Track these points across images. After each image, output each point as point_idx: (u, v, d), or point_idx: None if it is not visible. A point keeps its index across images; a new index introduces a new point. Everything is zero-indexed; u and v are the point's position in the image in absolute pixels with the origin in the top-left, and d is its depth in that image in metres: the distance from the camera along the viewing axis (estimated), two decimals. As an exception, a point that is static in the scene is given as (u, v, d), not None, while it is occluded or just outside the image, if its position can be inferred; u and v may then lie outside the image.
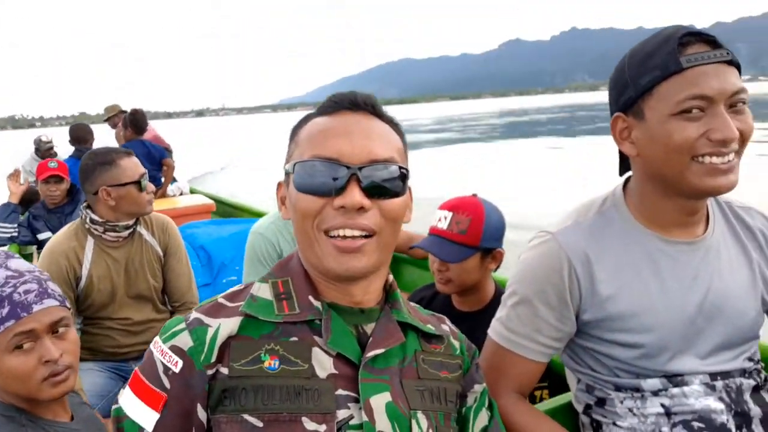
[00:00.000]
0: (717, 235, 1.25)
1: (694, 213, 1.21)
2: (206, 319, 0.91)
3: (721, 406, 1.18)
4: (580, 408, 1.35)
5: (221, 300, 0.95)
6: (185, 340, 0.88)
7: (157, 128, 7.00)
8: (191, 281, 2.54)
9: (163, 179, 5.99)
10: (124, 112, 7.37)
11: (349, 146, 0.88)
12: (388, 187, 0.89)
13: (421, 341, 1.01)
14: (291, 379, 0.86)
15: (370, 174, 0.88)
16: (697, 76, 1.07)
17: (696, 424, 1.17)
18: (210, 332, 0.88)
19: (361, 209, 0.86)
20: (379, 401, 0.88)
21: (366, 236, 0.88)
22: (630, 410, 1.23)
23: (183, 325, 0.90)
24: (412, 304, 1.07)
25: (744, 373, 1.23)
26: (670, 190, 1.17)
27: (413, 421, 0.90)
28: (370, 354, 0.91)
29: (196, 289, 2.57)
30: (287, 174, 0.94)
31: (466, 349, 1.07)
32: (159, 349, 0.89)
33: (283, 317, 0.91)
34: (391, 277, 1.02)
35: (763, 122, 18.60)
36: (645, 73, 1.12)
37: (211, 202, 5.33)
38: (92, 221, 2.26)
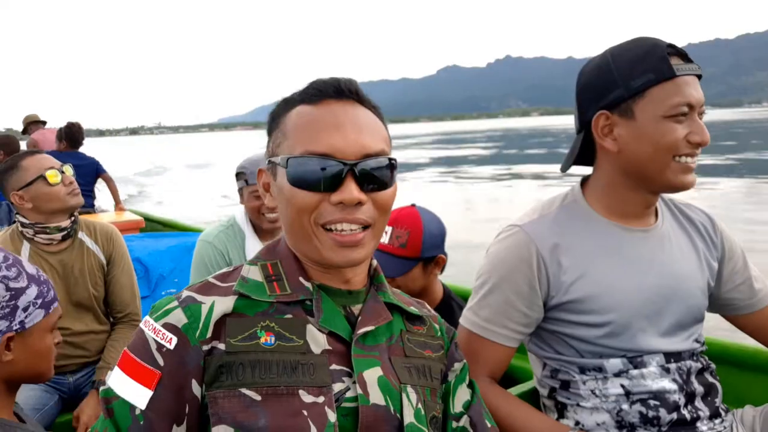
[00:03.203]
0: (666, 225, 1.36)
1: (651, 205, 1.33)
2: (199, 297, 0.90)
3: (674, 386, 1.27)
4: (544, 392, 1.40)
5: (211, 280, 0.95)
6: (179, 317, 0.87)
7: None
8: (135, 293, 2.45)
9: (111, 194, 5.98)
10: (42, 122, 7.04)
11: (342, 141, 0.88)
12: (382, 180, 0.91)
13: (405, 322, 1.03)
14: (287, 354, 0.88)
15: (364, 169, 0.89)
16: (685, 84, 1.19)
17: (652, 402, 1.26)
18: (204, 309, 0.88)
19: (359, 204, 0.88)
20: (372, 375, 0.91)
21: (363, 228, 0.90)
22: (592, 391, 1.30)
23: (175, 303, 0.89)
24: (395, 289, 1.10)
25: (692, 355, 1.33)
26: (642, 184, 1.27)
27: (404, 395, 0.93)
28: (361, 331, 0.93)
29: (140, 301, 2.51)
30: (273, 163, 0.94)
31: (446, 330, 1.11)
32: (151, 327, 0.88)
33: (275, 297, 0.92)
34: (375, 261, 1.04)
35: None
36: (637, 76, 1.21)
37: (139, 218, 5.10)
38: (23, 224, 2.19)
